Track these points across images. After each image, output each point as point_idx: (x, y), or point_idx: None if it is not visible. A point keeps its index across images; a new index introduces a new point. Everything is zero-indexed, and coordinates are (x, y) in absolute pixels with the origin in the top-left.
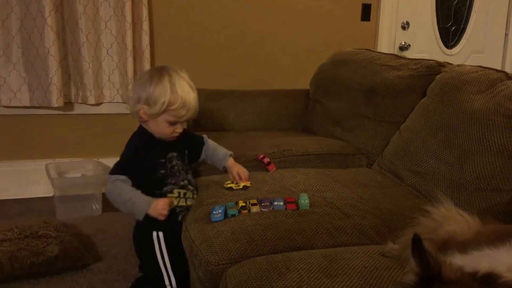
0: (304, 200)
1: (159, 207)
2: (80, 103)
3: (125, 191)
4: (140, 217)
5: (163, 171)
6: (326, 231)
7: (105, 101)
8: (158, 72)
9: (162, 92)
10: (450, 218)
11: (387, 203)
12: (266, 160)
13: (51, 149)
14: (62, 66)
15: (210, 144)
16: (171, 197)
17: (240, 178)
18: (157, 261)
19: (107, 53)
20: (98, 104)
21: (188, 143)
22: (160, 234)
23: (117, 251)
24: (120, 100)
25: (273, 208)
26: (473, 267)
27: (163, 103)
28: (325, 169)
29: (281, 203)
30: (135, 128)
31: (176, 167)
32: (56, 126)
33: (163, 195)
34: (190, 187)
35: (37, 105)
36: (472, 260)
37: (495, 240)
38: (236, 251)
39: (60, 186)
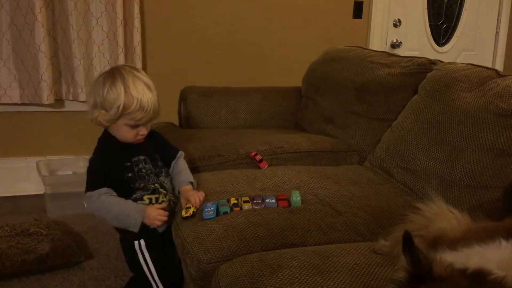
0: (296, 197)
1: (153, 214)
2: (71, 100)
3: (114, 205)
4: (136, 229)
5: (130, 174)
6: (318, 228)
7: None
8: (111, 74)
9: (115, 96)
10: (441, 215)
11: (379, 200)
12: (258, 157)
13: (42, 146)
14: (52, 63)
15: (180, 164)
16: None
17: (189, 202)
18: (143, 270)
19: (98, 49)
20: None
21: (160, 149)
22: (142, 242)
23: (109, 248)
24: None
25: (265, 206)
26: (463, 264)
27: (118, 107)
28: (317, 166)
29: (273, 201)
30: None
31: (143, 170)
32: (47, 123)
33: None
34: (162, 190)
35: (27, 102)
36: (462, 257)
37: (485, 237)
38: (228, 248)
39: (51, 183)
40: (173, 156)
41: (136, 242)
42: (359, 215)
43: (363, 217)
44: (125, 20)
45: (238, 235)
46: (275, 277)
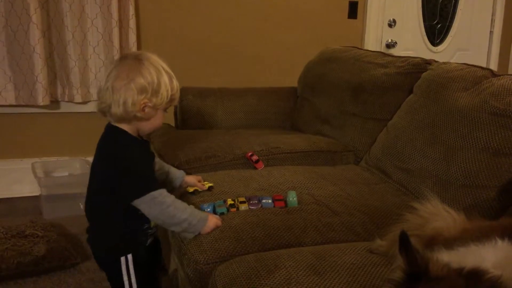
0: (292, 197)
1: (211, 225)
2: (66, 101)
3: (179, 211)
4: (191, 236)
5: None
6: (314, 228)
7: (92, 99)
8: (140, 59)
9: (163, 78)
10: (437, 215)
11: (375, 200)
12: (255, 158)
13: (37, 148)
14: (48, 64)
15: (160, 160)
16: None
17: (201, 181)
18: (123, 283)
19: (94, 51)
20: (84, 103)
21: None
22: (129, 257)
23: None
24: None
25: (261, 206)
26: (459, 263)
27: (167, 90)
28: (313, 167)
29: (270, 201)
30: None
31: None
32: (43, 124)
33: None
34: None
35: (23, 103)
36: (458, 256)
37: (481, 236)
38: (225, 249)
39: (47, 185)
40: (153, 156)
41: (122, 258)
42: (355, 215)
43: (359, 217)
44: (120, 21)
45: (235, 236)
46: (272, 277)
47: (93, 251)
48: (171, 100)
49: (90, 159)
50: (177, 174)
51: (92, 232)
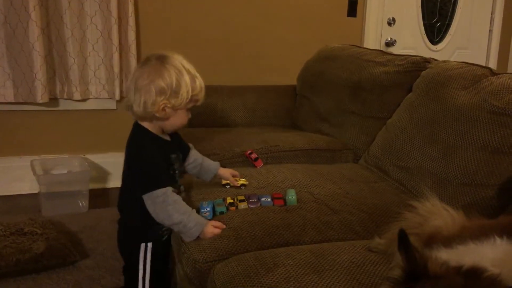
0: (291, 196)
1: (209, 231)
2: (65, 99)
3: (177, 213)
4: (189, 239)
5: (170, 172)
6: (313, 226)
7: (91, 97)
8: (163, 60)
9: (185, 79)
10: (436, 213)
11: (374, 198)
12: (254, 156)
13: (36, 145)
14: (47, 61)
15: (198, 153)
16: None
17: (236, 178)
18: (137, 270)
19: (93, 48)
20: (83, 100)
21: (179, 144)
22: (149, 245)
23: (104, 248)
24: (106, 96)
25: (260, 204)
26: (458, 261)
27: (188, 90)
28: (312, 165)
29: (269, 199)
30: (121, 124)
31: (177, 171)
32: (42, 122)
33: None
34: (181, 194)
35: (21, 101)
36: (457, 254)
37: (479, 234)
38: (224, 248)
39: (46, 182)
40: (187, 151)
41: (143, 245)
42: (354, 213)
43: (358, 215)
44: (119, 18)
45: (234, 234)
46: (271, 276)
47: (118, 237)
48: (193, 100)
49: (89, 156)
50: (211, 167)
51: (120, 220)
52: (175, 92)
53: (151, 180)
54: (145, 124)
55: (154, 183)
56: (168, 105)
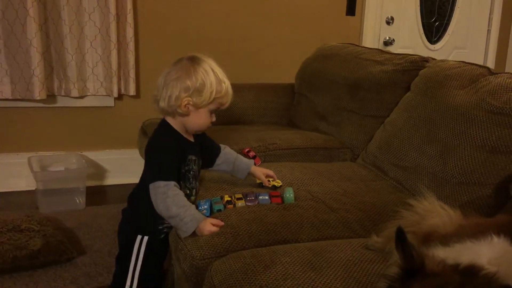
0: (289, 194)
1: (206, 228)
2: (63, 95)
3: (175, 206)
4: (185, 235)
5: (183, 170)
6: (311, 224)
7: (89, 93)
8: (195, 60)
9: (210, 79)
10: (433, 212)
11: (371, 196)
12: (252, 154)
13: (33, 142)
14: (44, 58)
15: (232, 151)
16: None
17: (269, 177)
18: (129, 261)
19: (91, 45)
20: (81, 97)
21: (205, 149)
22: (145, 238)
23: (101, 245)
24: (104, 93)
25: (258, 202)
26: (455, 259)
27: (212, 91)
28: (310, 163)
29: (266, 197)
30: (119, 121)
31: (191, 172)
32: (39, 119)
33: None
34: (192, 197)
35: (19, 97)
36: (454, 252)
37: (476, 233)
38: (221, 245)
39: (43, 179)
40: (217, 152)
41: (139, 237)
42: (352, 211)
43: (356, 213)
44: (117, 15)
45: (231, 232)
46: (268, 273)
47: (119, 225)
48: (217, 103)
49: (87, 153)
50: (243, 166)
51: (125, 209)
52: (199, 91)
53: (158, 170)
54: (169, 120)
55: (160, 174)
56: (191, 102)
